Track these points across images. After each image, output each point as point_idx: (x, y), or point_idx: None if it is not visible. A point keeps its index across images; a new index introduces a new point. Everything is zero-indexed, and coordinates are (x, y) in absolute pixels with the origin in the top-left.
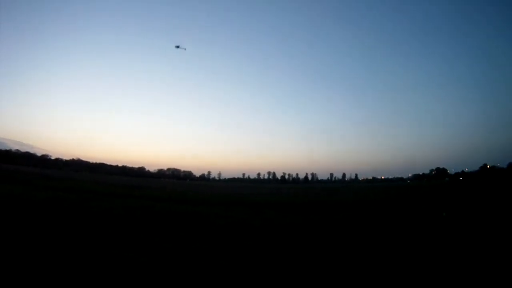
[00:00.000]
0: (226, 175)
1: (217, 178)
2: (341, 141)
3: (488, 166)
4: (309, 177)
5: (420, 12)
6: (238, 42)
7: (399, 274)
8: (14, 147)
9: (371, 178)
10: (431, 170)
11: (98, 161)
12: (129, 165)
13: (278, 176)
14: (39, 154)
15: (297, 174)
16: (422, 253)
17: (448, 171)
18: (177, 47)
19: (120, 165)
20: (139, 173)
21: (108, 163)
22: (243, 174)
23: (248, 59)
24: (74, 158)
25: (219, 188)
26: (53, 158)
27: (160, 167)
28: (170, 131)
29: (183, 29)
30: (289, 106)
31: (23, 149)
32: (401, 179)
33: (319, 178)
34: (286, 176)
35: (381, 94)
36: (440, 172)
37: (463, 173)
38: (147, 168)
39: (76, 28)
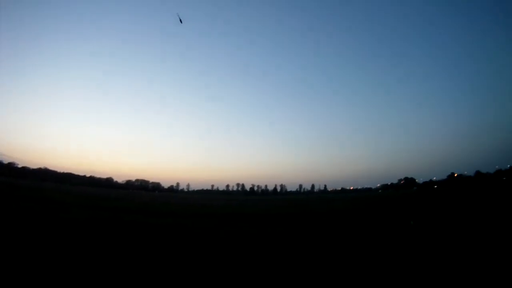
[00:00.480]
0: (194, 186)
1: (186, 190)
2: (309, 152)
3: (455, 175)
4: (278, 188)
5: (390, 27)
6: (206, 56)
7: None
8: None
9: (340, 189)
10: (400, 180)
11: (65, 171)
12: (97, 175)
13: (247, 187)
14: (5, 162)
15: (266, 186)
16: (387, 259)
17: (417, 181)
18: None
19: (87, 175)
20: (107, 183)
21: (76, 173)
22: (212, 186)
23: (217, 71)
24: (41, 167)
25: (188, 199)
26: (19, 166)
27: (128, 178)
28: (139, 142)
29: (155, 44)
30: (257, 118)
31: None
32: (369, 189)
33: (288, 190)
34: (255, 188)
35: (348, 106)
36: (408, 182)
37: (431, 182)
38: (115, 179)
39: (47, 39)
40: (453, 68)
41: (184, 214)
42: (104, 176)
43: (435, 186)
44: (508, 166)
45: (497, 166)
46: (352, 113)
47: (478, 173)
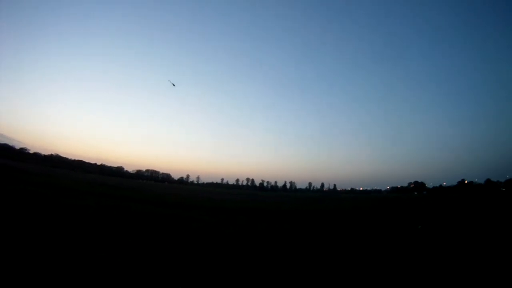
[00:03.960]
0: (204, 179)
1: (196, 182)
2: (320, 151)
3: (466, 182)
4: (288, 185)
5: (399, 25)
6: (219, 51)
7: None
8: None
9: (349, 189)
10: (410, 183)
11: (76, 158)
12: (108, 164)
13: (257, 183)
14: (17, 147)
15: (275, 182)
16: (392, 261)
17: (426, 185)
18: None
19: (98, 163)
20: (117, 172)
21: (87, 161)
22: (222, 179)
23: (230, 67)
24: (53, 153)
25: (197, 192)
26: (31, 152)
27: (138, 168)
28: (151, 132)
29: (167, 37)
30: (270, 115)
31: (1, 141)
32: (379, 191)
33: (298, 187)
34: (265, 184)
35: (361, 106)
36: (418, 186)
37: (441, 187)
38: (125, 168)
39: (63, 28)
40: (468, 73)
41: (191, 206)
42: (115, 165)
43: (424, 192)
44: None
45: (508, 176)
46: (365, 115)
47: (488, 181)
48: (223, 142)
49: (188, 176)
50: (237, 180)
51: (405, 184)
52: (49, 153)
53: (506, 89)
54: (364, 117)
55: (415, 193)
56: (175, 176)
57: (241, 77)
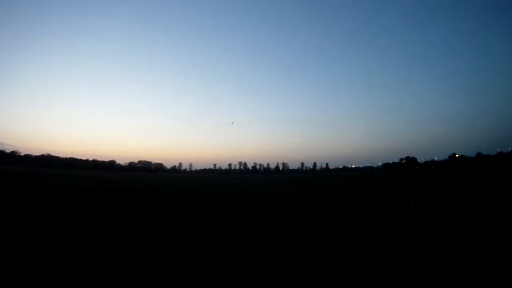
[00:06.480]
0: (197, 166)
1: (188, 170)
2: (311, 131)
3: (457, 156)
4: (280, 166)
5: (394, 9)
6: (203, 36)
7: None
8: None
9: (341, 167)
10: (401, 159)
11: (68, 156)
12: (100, 159)
13: (249, 166)
14: (8, 151)
15: (268, 164)
16: (383, 235)
17: (418, 160)
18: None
19: (90, 159)
20: (110, 166)
21: (79, 158)
22: (214, 165)
23: (215, 51)
24: (44, 153)
25: (190, 179)
26: (22, 154)
27: (131, 160)
28: (140, 123)
29: (152, 24)
30: (258, 96)
31: None
32: (371, 168)
33: (290, 168)
34: (257, 166)
35: (350, 85)
36: (410, 161)
37: (432, 162)
38: (117, 161)
39: (46, 25)
40: (459, 47)
41: (185, 194)
42: (107, 159)
43: (432, 167)
44: (510, 149)
45: (498, 149)
46: (353, 92)
47: (479, 154)
48: (213, 127)
49: (180, 164)
50: (230, 165)
51: (397, 160)
52: (40, 153)
53: (496, 62)
54: (353, 95)
55: (409, 168)
56: (168, 165)
57: (226, 60)
